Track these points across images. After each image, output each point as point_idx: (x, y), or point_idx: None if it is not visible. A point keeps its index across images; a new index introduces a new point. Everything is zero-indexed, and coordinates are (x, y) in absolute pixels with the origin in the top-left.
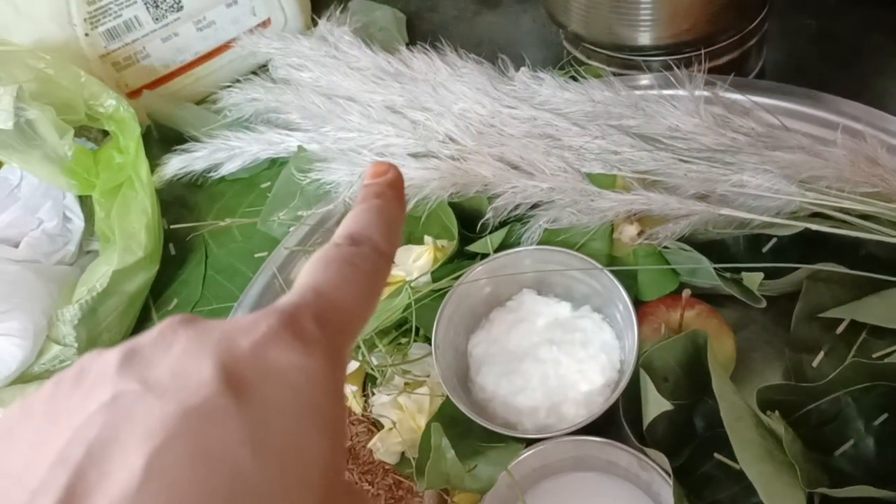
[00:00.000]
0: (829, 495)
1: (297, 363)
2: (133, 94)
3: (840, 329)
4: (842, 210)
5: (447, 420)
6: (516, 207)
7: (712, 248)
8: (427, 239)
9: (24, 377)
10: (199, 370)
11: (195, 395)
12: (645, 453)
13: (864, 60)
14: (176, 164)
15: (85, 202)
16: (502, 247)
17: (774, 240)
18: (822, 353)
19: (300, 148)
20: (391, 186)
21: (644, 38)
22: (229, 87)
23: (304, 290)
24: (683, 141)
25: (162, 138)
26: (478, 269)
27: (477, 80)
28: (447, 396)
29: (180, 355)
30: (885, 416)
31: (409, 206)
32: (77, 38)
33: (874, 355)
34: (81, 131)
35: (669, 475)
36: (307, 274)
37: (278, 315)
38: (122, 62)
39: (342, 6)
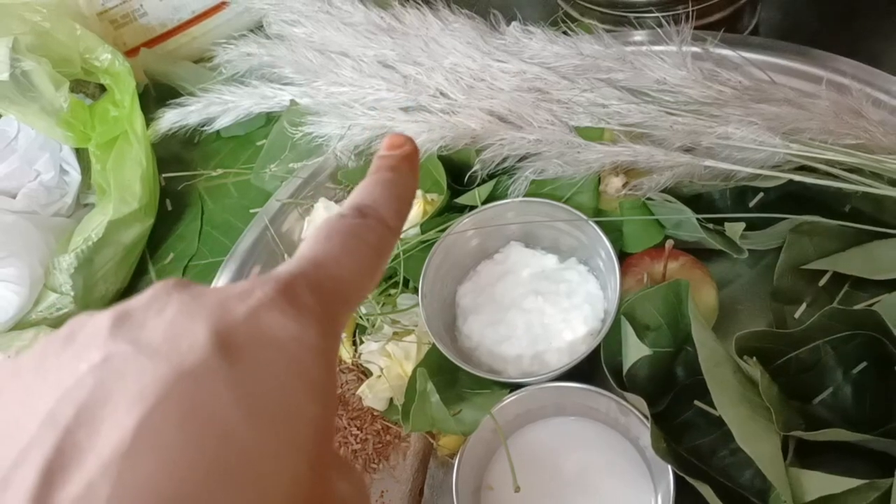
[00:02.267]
0: (805, 440)
1: (290, 331)
2: (131, 53)
3: (823, 281)
4: (826, 162)
5: (433, 367)
6: (504, 160)
7: (698, 201)
8: (417, 192)
9: (22, 324)
10: (192, 333)
11: (188, 357)
12: (624, 398)
13: (859, 21)
14: (171, 118)
15: (82, 156)
16: (490, 199)
17: (761, 194)
18: (804, 305)
19: (292, 102)
20: (406, 160)
21: None
22: (224, 43)
23: (304, 259)
24: (671, 94)
25: (159, 96)
26: (465, 221)
27: (468, 35)
28: (433, 344)
29: (173, 318)
30: (863, 364)
31: None
32: None
33: (856, 307)
34: (78, 87)
35: (647, 418)
36: (309, 243)
37: (274, 283)
38: (119, 20)
39: None
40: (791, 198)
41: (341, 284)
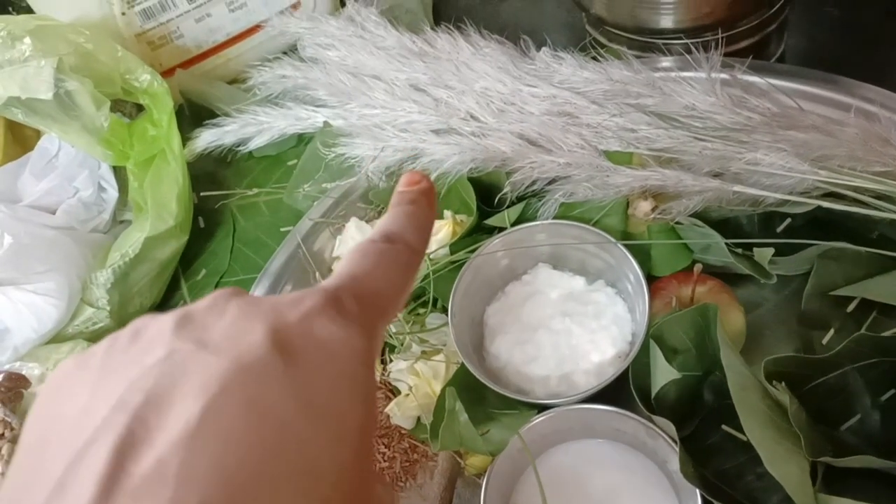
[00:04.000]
0: (833, 465)
1: (338, 335)
2: (167, 73)
3: (851, 307)
4: (854, 189)
5: (462, 386)
6: (533, 182)
7: (726, 226)
8: (446, 213)
9: (59, 337)
10: (250, 333)
11: (247, 354)
12: (652, 421)
13: (884, 48)
14: (207, 138)
15: (119, 174)
16: (519, 221)
17: (788, 220)
18: (832, 331)
19: (326, 123)
20: (424, 194)
21: (665, 21)
22: (259, 65)
23: (344, 275)
24: (699, 120)
25: (194, 116)
26: (495, 242)
27: (499, 60)
28: (462, 363)
29: (233, 320)
30: (891, 391)
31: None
32: (114, 16)
33: (884, 334)
34: (116, 106)
35: (676, 442)
36: (347, 262)
37: (322, 292)
38: (156, 41)
39: None
40: (818, 223)
41: (378, 297)
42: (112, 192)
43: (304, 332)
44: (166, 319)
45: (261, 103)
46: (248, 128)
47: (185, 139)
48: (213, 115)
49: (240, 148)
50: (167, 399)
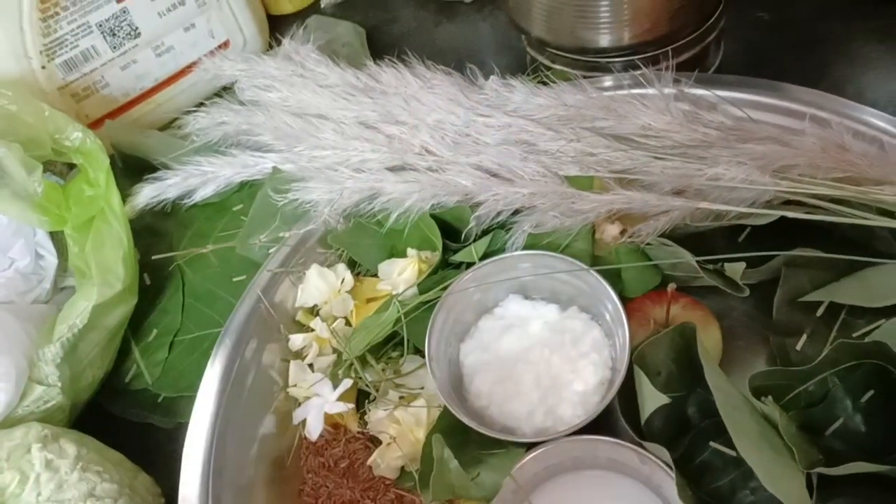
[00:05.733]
0: (827, 474)
1: None
2: (94, 125)
3: (820, 311)
4: (815, 196)
5: (446, 430)
6: (498, 214)
7: (690, 241)
8: (410, 252)
9: (8, 421)
10: None
11: None
12: (644, 447)
13: (818, 48)
14: (148, 193)
15: (56, 237)
16: (487, 254)
17: (749, 229)
18: (804, 336)
19: (275, 169)
20: None
21: (607, 40)
22: (194, 111)
23: None
24: (656, 139)
25: (127, 167)
26: (466, 278)
27: (448, 91)
28: (445, 407)
29: None
30: (870, 392)
31: (391, 220)
32: (33, 70)
33: (854, 334)
34: (46, 166)
35: (671, 467)
36: None
37: None
38: (80, 93)
39: (301, 25)
40: (779, 230)
41: None
42: (51, 259)
43: None
44: None
45: (202, 151)
46: (192, 179)
47: (124, 196)
48: (148, 165)
49: (184, 201)
50: None
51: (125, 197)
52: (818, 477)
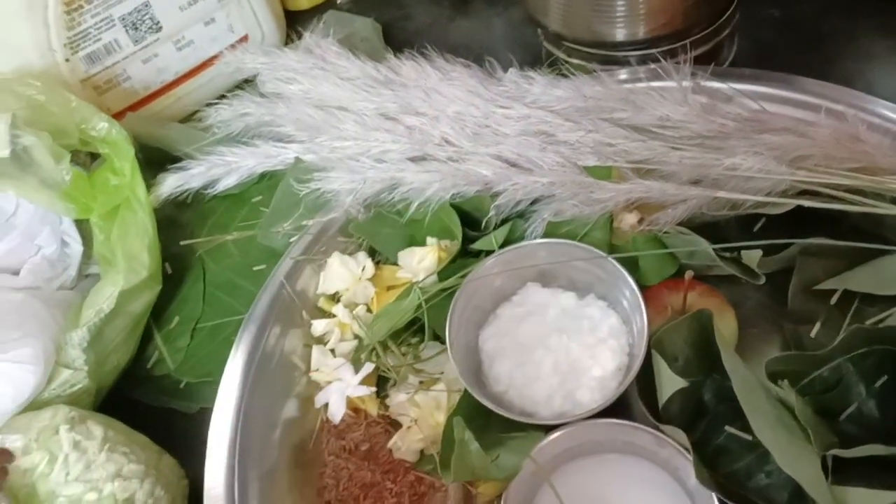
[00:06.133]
0: (841, 457)
1: None
2: (116, 117)
3: (834, 299)
4: (830, 186)
5: (466, 413)
6: (518, 204)
7: (706, 230)
8: (430, 240)
9: (36, 404)
10: None
11: None
12: (662, 431)
13: (826, 44)
14: (172, 183)
15: (81, 226)
16: (506, 243)
17: (764, 219)
18: (818, 324)
19: (297, 159)
20: None
21: (623, 34)
22: (216, 103)
23: None
24: (674, 129)
25: (147, 159)
26: (486, 265)
27: (467, 83)
28: (465, 391)
29: None
30: (884, 378)
31: (412, 210)
32: (57, 64)
33: (868, 321)
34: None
35: (689, 450)
36: None
37: None
38: (102, 86)
39: (318, 20)
40: (793, 220)
41: None
42: (76, 247)
43: None
44: None
45: (224, 142)
46: (216, 169)
47: (147, 185)
48: (168, 156)
49: (207, 190)
50: None
51: (149, 187)
52: (833, 459)
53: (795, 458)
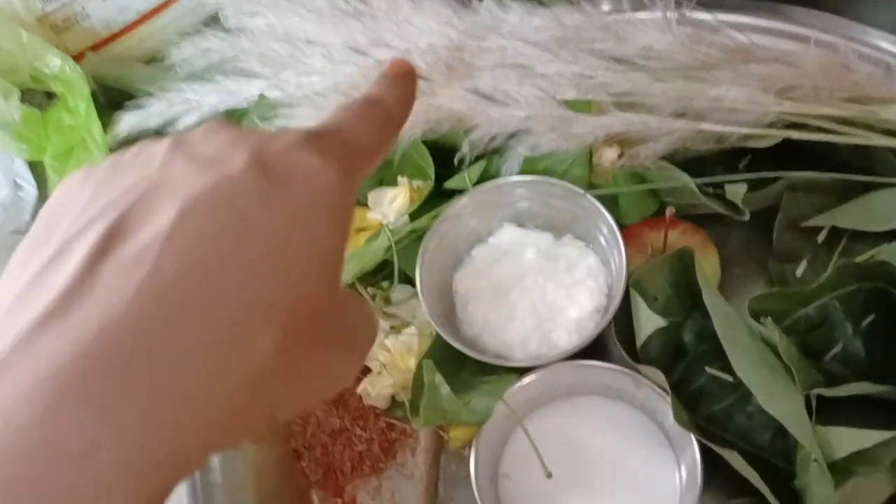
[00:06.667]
0: (825, 397)
1: (317, 166)
2: (76, 59)
3: (821, 237)
4: (819, 117)
5: (438, 357)
6: (493, 139)
7: (690, 166)
8: (402, 180)
9: None
10: (236, 155)
11: (231, 169)
12: (640, 372)
13: None
14: (130, 122)
15: (35, 169)
16: (481, 181)
17: (750, 155)
18: (804, 262)
19: (262, 96)
20: (407, 73)
21: None
22: (178, 42)
23: (327, 122)
24: (657, 60)
25: (110, 102)
26: (459, 204)
27: (441, 13)
28: (437, 334)
29: (221, 145)
30: (871, 316)
31: None
32: (11, 1)
33: (856, 259)
34: (24, 95)
35: (667, 391)
36: (331, 114)
37: (305, 131)
38: (61, 24)
39: None
40: (780, 155)
41: (358, 147)
42: (30, 190)
43: (286, 159)
44: (165, 142)
45: (186, 80)
46: (175, 107)
47: (105, 126)
48: (132, 98)
49: (168, 130)
50: (154, 200)
51: (106, 127)
52: (817, 399)
53: (778, 398)
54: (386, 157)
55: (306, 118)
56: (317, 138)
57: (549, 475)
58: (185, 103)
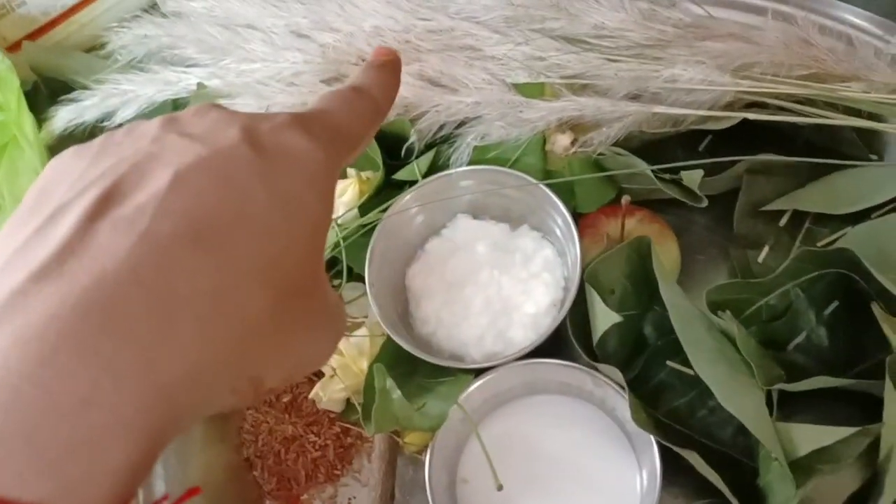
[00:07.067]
0: (787, 390)
1: (303, 146)
2: (13, 48)
3: (783, 221)
4: (778, 96)
5: (390, 360)
6: (441, 127)
7: (647, 151)
8: (350, 171)
9: None
10: (228, 131)
11: (224, 143)
12: (597, 369)
13: None
14: (65, 116)
15: None
16: (431, 171)
17: (710, 137)
18: (766, 248)
19: (200, 85)
20: (391, 63)
21: None
22: (117, 28)
23: (314, 107)
24: (611, 39)
25: (51, 93)
26: (407, 198)
27: None
28: (388, 336)
29: (213, 123)
30: (835, 303)
31: None
32: None
33: (819, 243)
34: None
35: (624, 388)
36: (317, 100)
37: (293, 114)
38: None
39: None
40: (741, 137)
41: (343, 132)
42: None
43: (275, 137)
44: (155, 120)
45: (123, 70)
46: (112, 99)
47: (42, 121)
48: (72, 90)
49: (105, 123)
50: (148, 168)
51: (42, 122)
52: (779, 393)
53: (737, 395)
54: (369, 143)
55: (249, 108)
56: (305, 121)
57: (500, 488)
58: (121, 95)
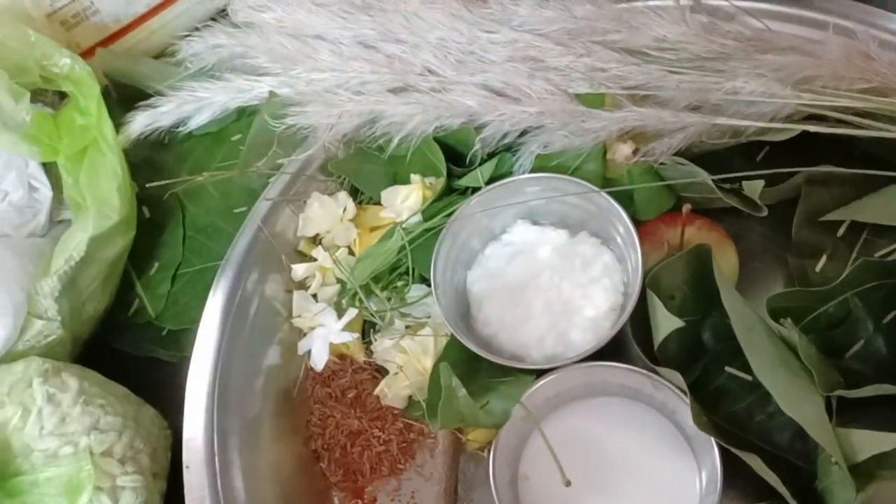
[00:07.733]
0: (846, 397)
1: None
2: (86, 54)
3: (841, 231)
4: (838, 109)
5: (454, 359)
6: (504, 136)
7: (706, 160)
8: (414, 178)
9: (9, 356)
10: None
11: None
12: (658, 373)
13: None
14: (142, 121)
15: (50, 169)
16: (493, 178)
17: (768, 147)
18: (824, 257)
19: (272, 93)
20: None
21: None
22: (188, 36)
23: None
24: (672, 51)
25: (121, 98)
26: (472, 203)
27: (450, 6)
28: (452, 335)
29: None
30: (893, 313)
31: (393, 145)
32: None
33: (877, 254)
34: (36, 95)
35: (685, 393)
36: None
37: None
38: (70, 20)
39: None
40: (798, 147)
41: None
42: (45, 192)
43: None
44: None
45: (196, 77)
46: (186, 106)
47: (118, 125)
48: (144, 95)
49: (179, 129)
50: None
51: (119, 127)
52: (838, 400)
53: (798, 400)
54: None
55: (318, 115)
56: None
57: (568, 483)
58: (196, 101)
